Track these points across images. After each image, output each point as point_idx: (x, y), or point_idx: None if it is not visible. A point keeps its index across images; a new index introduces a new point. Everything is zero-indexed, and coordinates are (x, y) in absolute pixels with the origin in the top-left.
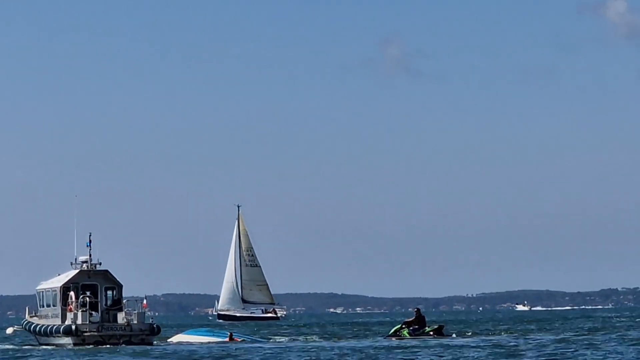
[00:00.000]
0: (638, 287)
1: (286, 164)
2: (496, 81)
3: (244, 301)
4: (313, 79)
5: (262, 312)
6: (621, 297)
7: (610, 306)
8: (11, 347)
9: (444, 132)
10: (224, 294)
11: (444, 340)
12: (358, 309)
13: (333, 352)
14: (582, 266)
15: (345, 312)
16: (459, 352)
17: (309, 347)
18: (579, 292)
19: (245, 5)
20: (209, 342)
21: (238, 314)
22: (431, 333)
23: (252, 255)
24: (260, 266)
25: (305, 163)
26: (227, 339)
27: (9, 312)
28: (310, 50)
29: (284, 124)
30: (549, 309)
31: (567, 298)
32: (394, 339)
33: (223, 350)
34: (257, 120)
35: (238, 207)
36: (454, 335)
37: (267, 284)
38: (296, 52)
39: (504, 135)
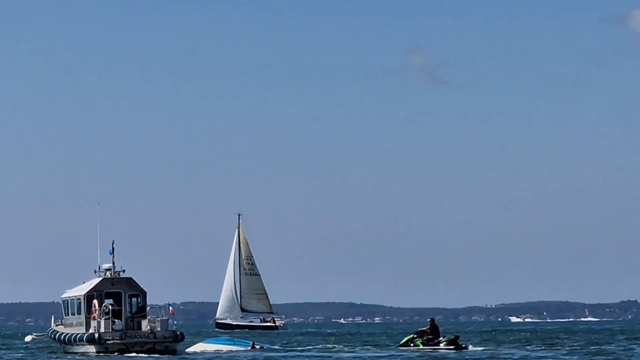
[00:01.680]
0: None
1: (300, 172)
2: (520, 92)
3: (243, 310)
4: (336, 88)
5: (261, 321)
6: None
7: (629, 317)
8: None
9: (468, 142)
10: (223, 302)
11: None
12: (377, 319)
13: None
14: (602, 277)
15: (363, 321)
16: None
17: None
18: (598, 304)
19: (266, 12)
20: (233, 350)
21: (235, 323)
22: (445, 344)
23: (252, 264)
24: (259, 275)
25: (319, 170)
26: (249, 348)
27: (28, 320)
28: (335, 58)
29: (296, 131)
30: (564, 320)
31: (586, 310)
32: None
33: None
34: (266, 128)
35: (239, 215)
36: (470, 347)
37: (266, 293)
38: (319, 60)
39: (527, 146)
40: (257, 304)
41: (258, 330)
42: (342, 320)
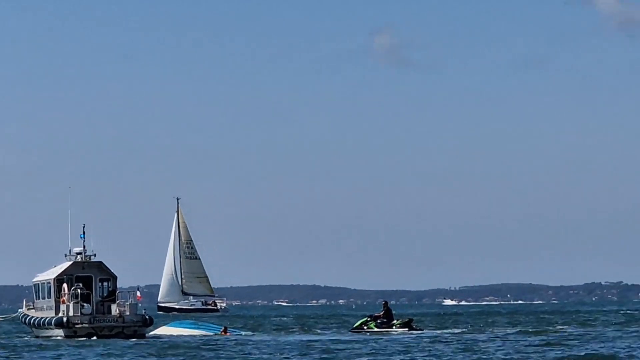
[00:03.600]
0: (622, 282)
1: (262, 154)
2: (487, 72)
3: (184, 293)
4: (298, 69)
5: (202, 304)
6: (604, 291)
7: (593, 300)
8: None
9: (433, 124)
10: (164, 285)
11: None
12: (341, 301)
13: (304, 346)
14: (566, 260)
15: (328, 303)
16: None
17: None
18: (562, 286)
19: None
20: (204, 335)
21: (177, 306)
22: (398, 326)
23: (192, 248)
24: (200, 259)
25: (277, 152)
26: (220, 332)
27: None
28: (299, 39)
29: (248, 113)
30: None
31: (550, 292)
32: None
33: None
34: (217, 109)
35: (177, 199)
36: (423, 330)
37: (207, 276)
38: (278, 40)
39: (493, 128)
40: (199, 287)
41: (199, 313)
42: (283, 303)
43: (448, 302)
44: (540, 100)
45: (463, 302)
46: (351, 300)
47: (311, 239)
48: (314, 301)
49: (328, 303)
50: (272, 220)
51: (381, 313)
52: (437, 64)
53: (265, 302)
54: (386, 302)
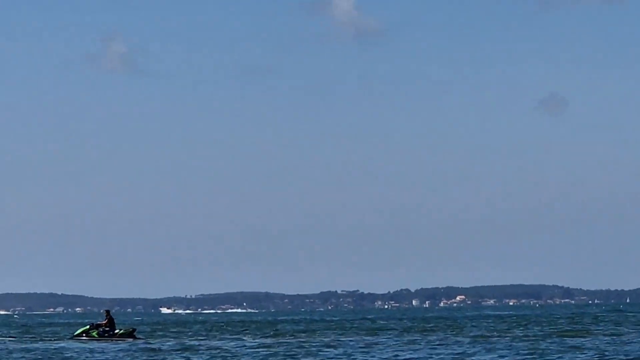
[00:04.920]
0: (357, 290)
1: None
2: (218, 79)
3: None
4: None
5: None
6: (340, 299)
7: (329, 308)
8: None
9: (163, 130)
10: None
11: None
12: (78, 309)
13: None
14: (301, 268)
15: (65, 312)
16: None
17: None
18: (298, 294)
19: None
20: None
21: None
22: (121, 335)
23: None
24: None
25: None
26: None
27: None
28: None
29: None
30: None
31: (286, 300)
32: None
33: None
34: None
35: None
36: (148, 340)
37: None
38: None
39: (220, 135)
40: None
41: None
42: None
43: (165, 310)
44: (268, 108)
45: (180, 311)
46: (88, 308)
47: (48, 246)
48: (51, 309)
49: (65, 311)
50: (19, 227)
51: (104, 322)
52: (164, 71)
53: (2, 310)
54: (108, 311)
